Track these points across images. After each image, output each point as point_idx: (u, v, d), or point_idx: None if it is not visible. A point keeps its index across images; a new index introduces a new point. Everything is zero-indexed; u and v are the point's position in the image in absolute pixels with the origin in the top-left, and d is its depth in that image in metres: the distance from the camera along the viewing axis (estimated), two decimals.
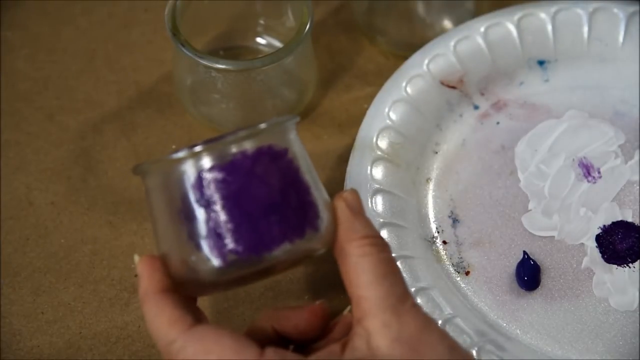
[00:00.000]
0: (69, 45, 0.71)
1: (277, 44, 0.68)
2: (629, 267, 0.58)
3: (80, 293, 0.60)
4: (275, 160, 0.45)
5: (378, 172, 0.61)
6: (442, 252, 0.60)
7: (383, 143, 0.61)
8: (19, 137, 0.66)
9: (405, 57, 0.65)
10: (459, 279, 0.59)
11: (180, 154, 0.44)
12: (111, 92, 0.68)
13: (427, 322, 0.44)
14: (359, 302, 0.44)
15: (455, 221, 0.61)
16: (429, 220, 0.61)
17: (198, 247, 0.44)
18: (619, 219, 0.60)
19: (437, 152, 0.63)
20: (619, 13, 0.65)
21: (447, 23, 0.69)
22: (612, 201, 0.61)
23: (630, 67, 0.64)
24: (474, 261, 0.59)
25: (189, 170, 0.44)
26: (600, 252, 0.59)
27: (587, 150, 0.62)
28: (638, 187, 0.61)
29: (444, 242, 0.60)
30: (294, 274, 0.60)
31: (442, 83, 0.64)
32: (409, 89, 0.63)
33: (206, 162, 0.44)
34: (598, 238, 0.59)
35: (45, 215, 0.63)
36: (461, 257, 0.59)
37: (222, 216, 0.44)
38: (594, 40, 0.65)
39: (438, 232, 0.60)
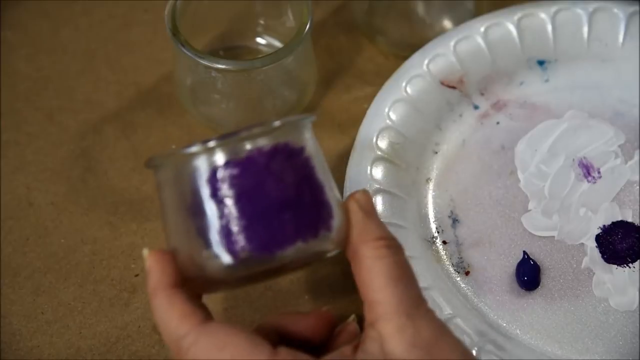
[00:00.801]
0: (69, 45, 0.71)
1: (277, 44, 0.68)
2: (629, 267, 0.58)
3: (80, 293, 0.60)
4: (291, 158, 0.44)
5: (378, 172, 0.61)
6: (442, 252, 0.60)
7: (383, 143, 0.61)
8: (19, 137, 0.66)
9: (405, 57, 0.65)
10: (458, 279, 0.59)
11: (195, 148, 0.44)
12: (111, 92, 0.68)
13: (442, 327, 0.44)
14: (373, 306, 0.44)
15: (455, 221, 0.61)
16: (429, 221, 0.61)
17: (209, 243, 0.44)
18: (619, 219, 0.60)
19: (437, 152, 0.63)
20: (619, 13, 0.65)
21: (447, 23, 0.69)
22: (612, 201, 0.61)
23: (630, 67, 0.64)
24: (474, 261, 0.59)
25: (203, 165, 0.44)
26: (600, 252, 0.59)
27: (587, 150, 0.62)
28: (638, 187, 0.61)
29: (444, 242, 0.60)
30: (294, 275, 0.60)
31: (442, 83, 0.64)
32: (409, 89, 0.63)
33: (221, 157, 0.44)
34: (598, 238, 0.59)
35: (45, 215, 0.63)
36: (461, 257, 0.59)
37: (235, 213, 0.43)
38: (594, 40, 0.65)
39: (438, 232, 0.60)
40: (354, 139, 0.62)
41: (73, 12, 0.72)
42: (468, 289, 0.58)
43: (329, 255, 0.46)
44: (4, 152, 0.65)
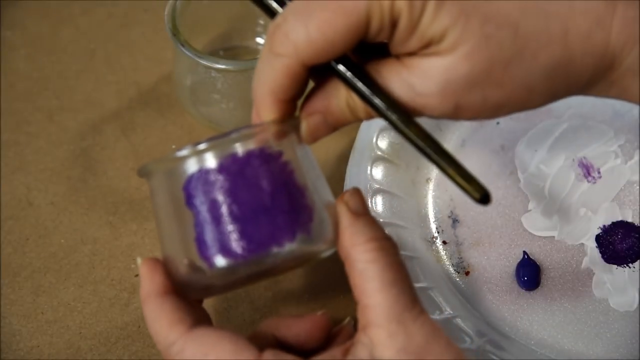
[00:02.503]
0: (69, 45, 0.71)
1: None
2: (629, 267, 0.58)
3: (80, 293, 0.60)
4: (267, 163, 0.44)
5: (378, 172, 0.61)
6: (442, 252, 0.60)
7: (383, 143, 0.61)
8: (19, 137, 0.66)
9: None
10: (458, 279, 0.59)
11: (177, 154, 0.44)
12: (111, 92, 0.68)
13: (434, 330, 0.43)
14: (365, 310, 0.44)
15: (455, 221, 0.61)
16: (429, 221, 0.61)
17: (192, 249, 0.44)
18: (619, 219, 0.60)
19: None
20: None
21: None
22: (612, 201, 0.61)
23: None
24: (474, 261, 0.59)
25: (182, 171, 0.44)
26: (600, 252, 0.59)
27: (587, 150, 0.62)
28: (638, 187, 0.61)
29: (444, 242, 0.60)
30: (293, 274, 0.60)
31: None
32: None
33: (199, 163, 0.44)
34: (598, 238, 0.59)
35: (45, 215, 0.63)
36: (461, 257, 0.59)
37: (211, 219, 0.44)
38: None
39: (438, 232, 0.60)
40: (354, 139, 0.62)
41: (73, 12, 0.72)
42: (468, 289, 0.58)
43: (320, 256, 0.46)
44: (4, 152, 0.65)
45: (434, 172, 0.62)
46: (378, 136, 0.61)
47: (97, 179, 0.64)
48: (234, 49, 0.69)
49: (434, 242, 0.60)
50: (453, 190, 0.62)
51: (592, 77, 0.43)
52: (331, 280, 0.59)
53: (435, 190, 0.62)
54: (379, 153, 0.61)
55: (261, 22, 0.69)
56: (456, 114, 0.43)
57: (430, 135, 0.43)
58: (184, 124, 0.67)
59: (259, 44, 0.69)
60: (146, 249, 0.61)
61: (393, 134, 0.62)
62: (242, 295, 0.59)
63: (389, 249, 0.44)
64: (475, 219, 0.61)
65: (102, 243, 0.61)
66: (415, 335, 0.43)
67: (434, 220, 0.61)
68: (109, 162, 0.65)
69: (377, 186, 0.60)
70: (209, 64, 0.60)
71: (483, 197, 0.43)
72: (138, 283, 0.59)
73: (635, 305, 0.57)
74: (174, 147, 0.66)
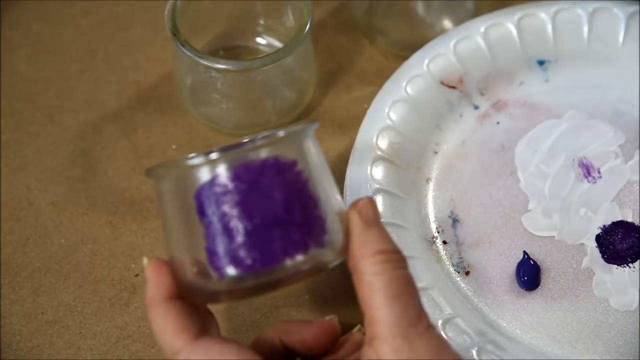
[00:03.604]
0: (69, 45, 0.71)
1: (277, 44, 0.68)
2: (629, 267, 0.58)
3: (80, 293, 0.60)
4: (281, 173, 0.43)
5: (378, 172, 0.61)
6: (442, 252, 0.60)
7: (383, 143, 0.61)
8: (19, 137, 0.66)
9: (405, 57, 0.65)
10: (459, 279, 0.59)
11: (191, 162, 0.43)
12: (111, 92, 0.68)
13: (440, 346, 0.43)
14: (371, 323, 0.43)
15: (455, 221, 0.61)
16: (429, 220, 0.61)
17: (201, 256, 0.44)
18: (619, 219, 0.60)
19: (437, 152, 0.63)
20: (619, 13, 0.65)
21: (447, 23, 0.69)
22: (612, 201, 0.61)
23: (630, 67, 0.64)
24: (474, 261, 0.59)
25: (195, 179, 0.43)
26: (601, 252, 0.59)
27: (587, 150, 0.62)
28: (638, 187, 0.61)
29: (444, 242, 0.60)
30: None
31: (442, 83, 0.64)
32: (409, 89, 0.63)
33: (212, 172, 0.43)
34: (598, 238, 0.59)
35: (45, 215, 0.63)
36: (461, 257, 0.59)
37: (222, 229, 0.43)
38: (594, 40, 0.65)
39: (438, 232, 0.60)
40: (354, 139, 0.62)
41: (73, 12, 0.72)
42: (468, 289, 0.58)
43: (330, 266, 0.45)
44: (4, 152, 0.65)
45: (434, 172, 0.62)
46: (378, 136, 0.61)
47: (97, 179, 0.64)
48: (234, 49, 0.69)
49: (434, 242, 0.60)
50: (453, 190, 0.62)
51: None
52: (332, 282, 0.59)
53: (435, 190, 0.62)
54: (379, 153, 0.61)
55: (261, 22, 0.69)
56: None
57: None
58: (184, 124, 0.67)
59: (259, 44, 0.69)
60: (146, 249, 0.61)
61: (393, 133, 0.62)
62: None
63: (397, 262, 0.44)
64: (476, 219, 0.61)
65: (102, 243, 0.61)
66: (421, 351, 0.43)
67: (434, 220, 0.61)
68: (109, 162, 0.65)
69: (377, 186, 0.60)
70: (209, 64, 0.60)
71: None
72: (138, 283, 0.60)
73: (636, 305, 0.57)
74: (174, 147, 0.66)
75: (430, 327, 0.43)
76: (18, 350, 0.57)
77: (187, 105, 0.66)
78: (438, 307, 0.56)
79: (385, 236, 0.45)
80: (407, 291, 0.44)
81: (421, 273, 0.57)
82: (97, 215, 0.62)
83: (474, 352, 0.54)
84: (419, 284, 0.56)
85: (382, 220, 0.58)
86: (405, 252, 0.57)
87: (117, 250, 0.61)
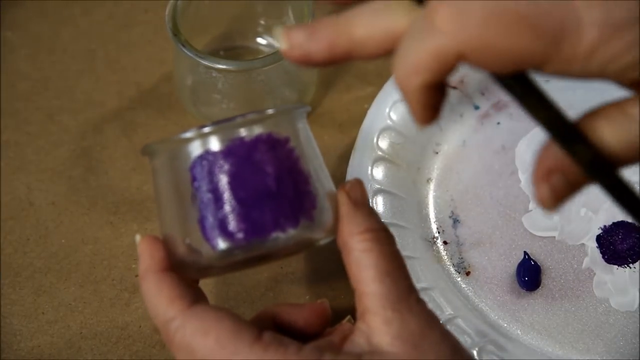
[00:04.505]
0: (69, 45, 0.71)
1: (278, 44, 0.68)
2: (630, 268, 0.58)
3: (80, 293, 0.60)
4: (273, 149, 0.44)
5: (379, 172, 0.61)
6: (443, 253, 0.60)
7: (384, 143, 0.61)
8: (19, 137, 0.66)
9: None
10: (459, 279, 0.59)
11: (185, 135, 0.44)
12: (111, 92, 0.68)
13: (430, 319, 0.44)
14: (361, 298, 0.44)
15: (455, 221, 0.61)
16: (430, 221, 0.61)
17: (193, 229, 0.44)
18: (620, 219, 0.60)
19: (437, 153, 0.63)
20: None
21: None
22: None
23: None
24: (475, 261, 0.59)
25: (188, 153, 0.44)
26: (601, 252, 0.59)
27: None
28: (638, 187, 0.61)
29: (445, 243, 0.60)
30: (295, 275, 0.60)
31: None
32: None
33: (205, 145, 0.44)
34: (599, 238, 0.59)
35: (45, 215, 0.62)
36: (462, 258, 0.59)
37: (215, 201, 0.44)
38: None
39: (439, 233, 0.60)
40: (354, 139, 0.62)
41: (73, 12, 0.72)
42: (469, 289, 0.58)
43: (319, 243, 0.46)
44: (4, 152, 0.65)
45: (435, 172, 0.62)
46: (379, 136, 0.61)
47: (97, 179, 0.64)
48: (235, 49, 0.69)
49: (435, 242, 0.60)
50: (454, 190, 0.62)
51: None
52: (333, 282, 0.59)
53: (436, 191, 0.62)
54: (380, 153, 0.61)
55: (262, 22, 0.69)
56: None
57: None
58: (184, 124, 0.66)
59: (259, 44, 0.69)
60: None
61: (394, 134, 0.62)
62: (243, 295, 0.59)
63: (385, 239, 0.45)
64: (476, 220, 0.61)
65: (102, 243, 0.61)
66: (412, 323, 0.43)
67: (434, 220, 0.61)
68: (109, 162, 0.65)
69: (378, 186, 0.60)
70: (209, 64, 0.60)
71: None
72: (139, 283, 0.60)
73: (636, 305, 0.57)
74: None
75: (420, 301, 0.44)
76: (18, 350, 0.57)
77: (187, 106, 0.66)
78: (439, 307, 0.56)
79: (372, 215, 0.46)
80: (396, 266, 0.44)
81: (422, 273, 0.57)
82: (97, 215, 0.62)
83: (475, 353, 0.54)
84: (420, 285, 0.57)
85: (382, 220, 0.58)
86: (406, 252, 0.58)
87: (118, 250, 0.61)
